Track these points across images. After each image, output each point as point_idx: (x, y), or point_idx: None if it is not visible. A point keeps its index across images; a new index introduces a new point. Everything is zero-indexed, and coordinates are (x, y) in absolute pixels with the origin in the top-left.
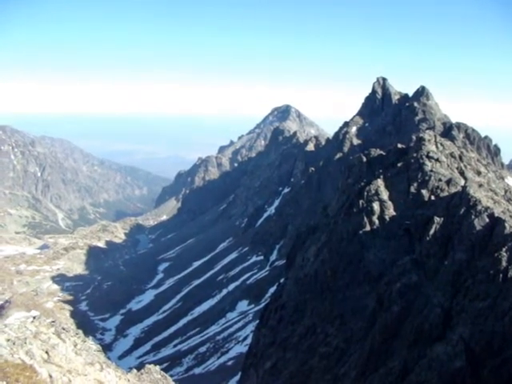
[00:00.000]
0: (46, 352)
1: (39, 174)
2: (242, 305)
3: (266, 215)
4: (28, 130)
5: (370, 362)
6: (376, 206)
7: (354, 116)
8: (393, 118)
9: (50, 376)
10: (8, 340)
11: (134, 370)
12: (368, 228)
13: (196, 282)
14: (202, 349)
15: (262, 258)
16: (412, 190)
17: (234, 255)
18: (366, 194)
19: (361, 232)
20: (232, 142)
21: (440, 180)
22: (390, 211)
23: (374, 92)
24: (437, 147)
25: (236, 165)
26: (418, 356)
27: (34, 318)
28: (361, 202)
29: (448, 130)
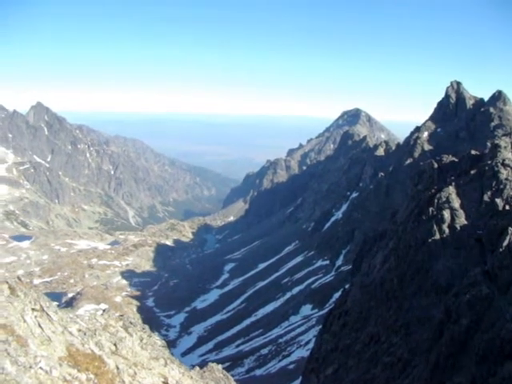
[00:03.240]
0: (114, 344)
1: (112, 172)
2: (306, 309)
3: (333, 219)
4: (103, 130)
5: (434, 375)
6: (446, 214)
7: (426, 121)
8: (466, 124)
9: (117, 367)
10: (79, 330)
11: (197, 368)
12: (437, 236)
13: (261, 284)
14: (264, 351)
15: (327, 262)
16: (485, 198)
17: (299, 259)
18: (436, 201)
19: (430, 240)
20: (301, 145)
21: None
22: (461, 220)
23: (447, 96)
24: None
25: (304, 168)
26: (487, 373)
27: (104, 310)
28: (431, 209)
29: None
